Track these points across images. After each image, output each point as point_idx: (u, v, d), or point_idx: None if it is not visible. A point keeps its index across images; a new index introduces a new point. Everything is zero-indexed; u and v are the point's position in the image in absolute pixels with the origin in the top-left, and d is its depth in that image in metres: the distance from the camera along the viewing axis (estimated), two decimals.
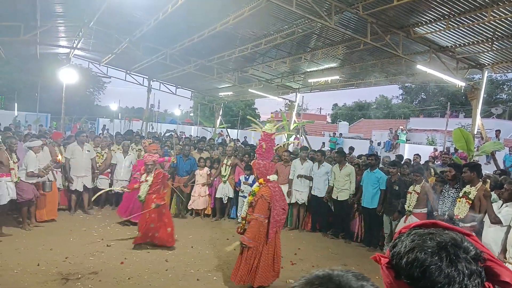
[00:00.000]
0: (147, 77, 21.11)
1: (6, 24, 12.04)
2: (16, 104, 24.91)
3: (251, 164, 7.65)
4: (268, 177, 5.23)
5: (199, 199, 9.28)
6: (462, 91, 11.70)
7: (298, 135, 19.86)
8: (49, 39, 15.80)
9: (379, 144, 22.31)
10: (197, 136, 21.08)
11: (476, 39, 9.08)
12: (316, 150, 10.22)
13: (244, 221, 5.28)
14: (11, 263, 5.57)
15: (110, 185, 9.16)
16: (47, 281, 5.04)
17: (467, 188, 5.52)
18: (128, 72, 20.59)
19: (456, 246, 0.92)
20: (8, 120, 19.98)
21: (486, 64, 10.49)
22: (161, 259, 6.27)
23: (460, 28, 8.53)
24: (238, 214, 9.19)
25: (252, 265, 5.06)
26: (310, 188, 8.73)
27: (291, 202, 8.78)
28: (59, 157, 7.83)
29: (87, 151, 8.78)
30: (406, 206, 6.75)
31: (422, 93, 42.53)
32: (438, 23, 8.56)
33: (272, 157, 5.47)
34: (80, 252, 6.08)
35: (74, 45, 16.89)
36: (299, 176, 8.67)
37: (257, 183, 5.30)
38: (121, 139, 10.00)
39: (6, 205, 6.68)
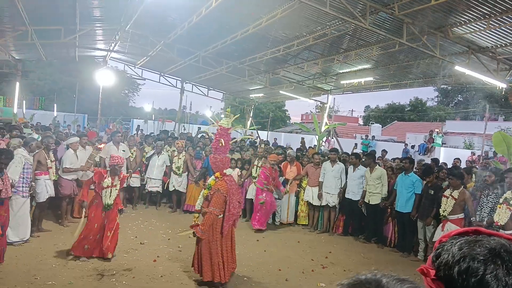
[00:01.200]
0: (180, 79, 21.52)
1: (47, 27, 12.58)
2: (55, 105, 25.94)
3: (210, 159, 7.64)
4: (224, 171, 5.26)
5: None
6: (503, 93, 11.21)
7: (329, 137, 19.67)
8: (87, 42, 16.37)
9: (412, 147, 21.72)
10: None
11: None
12: (351, 153, 10.06)
13: (197, 214, 5.33)
14: (49, 258, 5.79)
15: (143, 183, 9.43)
16: (83, 276, 5.21)
17: (508, 194, 5.29)
18: (162, 74, 21.06)
19: (509, 253, 0.87)
20: (47, 120, 20.85)
21: None
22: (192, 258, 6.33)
23: (502, 28, 8.19)
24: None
25: (218, 262, 5.07)
26: (342, 190, 8.61)
27: (321, 204, 8.71)
28: (102, 145, 8.19)
29: (123, 150, 9.01)
30: (441, 211, 6.52)
31: (459, 95, 41.13)
32: (478, 23, 8.26)
33: (228, 151, 5.62)
34: (115, 250, 6.25)
35: (111, 48, 17.42)
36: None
37: (213, 177, 5.32)
38: (152, 140, 10.23)
39: (45, 202, 6.96)
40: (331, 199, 8.58)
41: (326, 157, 9.64)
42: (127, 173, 9.15)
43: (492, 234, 0.95)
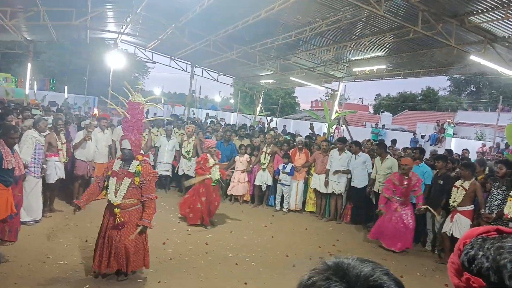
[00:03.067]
0: (190, 63, 21.43)
1: (59, 9, 12.56)
2: (66, 87, 26.06)
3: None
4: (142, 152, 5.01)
5: (238, 185, 9.39)
6: None
7: (338, 125, 19.55)
8: (99, 24, 16.33)
9: (423, 137, 21.52)
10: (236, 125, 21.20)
11: None
12: (351, 141, 10.02)
13: (118, 209, 4.42)
14: (62, 237, 5.90)
15: (153, 167, 9.46)
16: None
17: None
18: (172, 57, 20.99)
19: None
20: (58, 101, 20.99)
21: None
22: (201, 241, 6.42)
23: None
24: (276, 202, 9.23)
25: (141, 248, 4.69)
26: (349, 179, 8.60)
27: (327, 192, 8.72)
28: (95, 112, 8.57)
29: None
30: (451, 201, 6.47)
31: (472, 86, 40.49)
32: (495, 12, 8.06)
33: (143, 131, 5.13)
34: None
35: (122, 31, 17.37)
36: (336, 172, 8.54)
37: (136, 162, 4.58)
38: (161, 123, 10.24)
39: (55, 183, 7.05)
40: (337, 187, 8.58)
41: (335, 145, 9.61)
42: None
43: None
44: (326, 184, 8.65)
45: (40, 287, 4.33)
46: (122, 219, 4.42)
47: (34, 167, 6.26)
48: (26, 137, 6.21)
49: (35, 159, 6.24)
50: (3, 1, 11.63)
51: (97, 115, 9.74)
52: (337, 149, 8.77)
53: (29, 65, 17.57)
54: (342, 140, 9.24)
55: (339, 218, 8.79)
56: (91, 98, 26.40)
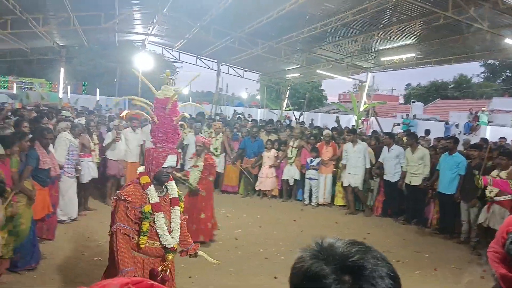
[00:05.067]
0: (216, 61, 21.58)
1: (88, 13, 12.93)
2: (97, 89, 26.82)
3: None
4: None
5: (266, 180, 9.38)
6: None
7: (368, 117, 19.19)
8: (126, 26, 16.70)
9: (457, 126, 20.78)
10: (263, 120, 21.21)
11: None
12: (386, 133, 9.80)
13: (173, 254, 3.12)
14: (96, 235, 6.08)
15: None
16: None
17: None
18: (198, 56, 21.20)
19: None
20: (90, 104, 21.63)
21: None
22: (231, 237, 6.46)
23: None
24: (305, 196, 9.17)
25: None
26: (368, 170, 8.46)
27: (343, 185, 8.68)
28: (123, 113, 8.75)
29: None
30: (487, 192, 6.22)
31: (507, 71, 38.72)
32: None
33: (178, 140, 3.34)
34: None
35: (149, 32, 17.69)
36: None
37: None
38: (191, 122, 10.36)
39: (89, 183, 7.28)
40: (353, 180, 8.42)
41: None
42: None
43: None
44: (339, 178, 8.77)
45: (76, 283, 4.49)
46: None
47: (68, 167, 6.48)
48: (60, 139, 6.44)
49: (69, 160, 6.45)
50: (35, 9, 12.06)
51: (125, 117, 9.94)
52: (350, 142, 8.62)
53: (61, 69, 18.20)
54: (352, 131, 9.08)
55: (369, 210, 8.62)
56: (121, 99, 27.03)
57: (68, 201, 6.49)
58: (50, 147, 5.71)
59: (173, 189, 3.18)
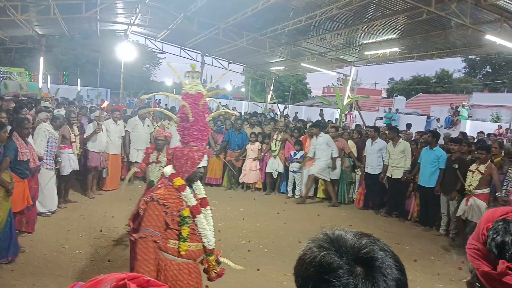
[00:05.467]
0: (200, 52, 21.39)
1: (69, 2, 12.62)
2: (78, 80, 26.33)
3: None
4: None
5: (250, 173, 9.39)
6: None
7: (351, 111, 19.35)
8: (108, 16, 16.38)
9: (438, 120, 21.15)
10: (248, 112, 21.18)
11: None
12: (370, 126, 9.90)
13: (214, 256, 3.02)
14: (77, 228, 5.99)
15: None
16: (109, 245, 5.38)
17: None
18: (182, 47, 20.97)
19: None
20: (71, 94, 21.23)
21: None
22: (215, 229, 6.38)
23: None
24: (288, 189, 9.21)
25: None
26: (330, 161, 8.48)
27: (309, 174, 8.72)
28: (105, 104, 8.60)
29: (147, 126, 9.19)
30: (466, 186, 6.36)
31: (487, 66, 39.49)
32: None
33: (207, 138, 3.25)
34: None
35: (132, 22, 17.39)
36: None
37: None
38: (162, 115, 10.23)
39: (69, 175, 7.14)
40: (315, 169, 8.49)
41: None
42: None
43: None
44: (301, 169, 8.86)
45: (56, 276, 4.42)
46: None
47: (48, 159, 6.35)
48: (39, 130, 6.29)
49: (48, 151, 6.32)
50: None
51: (106, 108, 9.79)
52: (314, 135, 8.70)
53: (41, 59, 17.76)
54: (315, 125, 9.16)
55: (337, 202, 8.69)
56: (103, 90, 26.61)
57: (47, 194, 6.36)
58: (29, 138, 5.58)
59: (200, 189, 3.04)
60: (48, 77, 21.19)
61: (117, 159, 8.57)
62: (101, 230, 5.89)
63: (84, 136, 7.74)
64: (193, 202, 2.79)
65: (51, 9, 12.25)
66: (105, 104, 9.84)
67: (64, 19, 14.11)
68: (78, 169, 7.32)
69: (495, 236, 0.89)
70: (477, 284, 0.94)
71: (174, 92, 32.24)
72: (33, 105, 9.83)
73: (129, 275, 0.77)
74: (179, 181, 2.76)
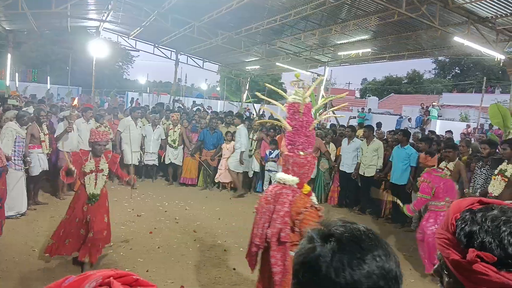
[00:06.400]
0: (174, 50, 21.15)
1: None
2: (48, 77, 25.53)
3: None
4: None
5: (225, 172, 9.36)
6: (501, 64, 11.11)
7: (325, 110, 19.53)
8: (79, 12, 15.96)
9: (409, 120, 21.71)
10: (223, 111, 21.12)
11: None
12: (347, 126, 10.05)
13: None
14: (47, 230, 5.81)
15: (141, 156, 9.39)
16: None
17: (503, 165, 5.31)
18: (156, 45, 20.67)
19: None
20: (41, 93, 20.57)
21: None
22: (189, 229, 6.41)
23: None
24: (264, 188, 9.23)
25: None
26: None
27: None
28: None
29: (139, 127, 9.07)
30: None
31: (456, 68, 40.83)
32: None
33: (310, 147, 3.22)
34: (112, 222, 6.20)
35: (104, 18, 17.01)
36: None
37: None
38: (141, 114, 10.08)
39: (39, 175, 6.93)
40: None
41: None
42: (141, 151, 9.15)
43: (495, 203, 0.97)
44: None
45: (26, 279, 4.28)
46: None
47: (16, 159, 6.15)
48: (6, 129, 6.09)
49: (15, 151, 6.12)
50: None
51: (77, 106, 9.57)
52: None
53: (9, 55, 17.12)
54: (237, 116, 9.96)
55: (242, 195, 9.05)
56: (74, 88, 25.93)
57: (15, 196, 6.15)
58: None
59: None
60: (17, 74, 20.45)
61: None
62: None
63: (55, 136, 7.53)
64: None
65: (19, 4, 11.82)
66: (75, 102, 9.59)
67: (33, 14, 13.64)
68: (48, 169, 7.11)
69: (463, 226, 0.93)
70: (444, 272, 0.97)
71: (148, 90, 31.80)
72: (0, 103, 9.49)
73: (117, 273, 0.76)
74: (307, 188, 3.03)
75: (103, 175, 4.66)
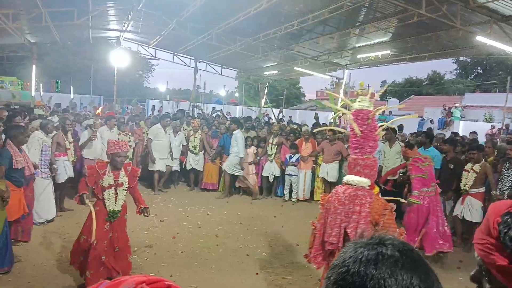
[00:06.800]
0: (193, 58, 21.39)
1: (60, 9, 12.57)
2: (71, 87, 26.16)
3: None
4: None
5: (246, 177, 9.38)
6: None
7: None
8: (100, 23, 16.32)
9: (431, 121, 21.31)
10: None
11: None
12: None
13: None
14: (73, 235, 5.89)
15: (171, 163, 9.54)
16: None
17: None
18: (175, 53, 20.96)
19: None
20: (64, 102, 21.09)
21: None
22: (212, 234, 6.43)
23: None
24: (285, 193, 9.21)
25: None
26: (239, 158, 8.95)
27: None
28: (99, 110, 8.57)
29: (168, 134, 9.24)
30: (462, 185, 6.42)
31: (478, 68, 39.93)
32: None
33: (375, 150, 3.64)
34: (136, 227, 6.33)
35: (124, 28, 17.35)
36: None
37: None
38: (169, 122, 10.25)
39: (64, 182, 7.11)
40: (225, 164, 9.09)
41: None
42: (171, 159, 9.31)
43: None
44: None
45: (53, 285, 4.38)
46: None
47: (43, 167, 6.31)
48: (33, 138, 6.26)
49: (42, 160, 6.28)
50: (5, 4, 11.65)
51: (100, 113, 9.79)
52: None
53: (33, 67, 17.62)
54: (233, 121, 9.72)
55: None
56: (96, 97, 26.49)
57: (43, 203, 6.31)
58: (24, 146, 5.54)
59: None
60: (41, 85, 21.02)
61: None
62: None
63: (79, 144, 7.71)
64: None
65: (43, 17, 12.19)
66: (99, 110, 9.82)
67: (56, 26, 14.04)
68: (73, 176, 7.28)
69: (506, 230, 0.90)
70: (486, 278, 0.94)
71: (168, 97, 32.19)
72: (26, 113, 9.77)
73: (149, 279, 0.76)
74: (376, 189, 3.48)
75: (123, 189, 4.31)
